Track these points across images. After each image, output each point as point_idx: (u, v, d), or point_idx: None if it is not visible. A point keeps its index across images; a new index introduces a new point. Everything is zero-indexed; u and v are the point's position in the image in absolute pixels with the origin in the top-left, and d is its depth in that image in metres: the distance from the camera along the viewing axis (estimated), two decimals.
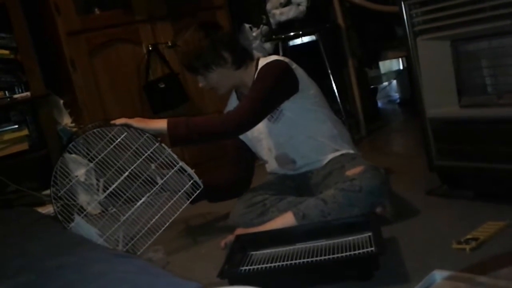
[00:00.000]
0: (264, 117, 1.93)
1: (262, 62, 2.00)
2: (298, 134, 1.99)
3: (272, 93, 1.92)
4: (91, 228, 1.94)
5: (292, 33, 3.14)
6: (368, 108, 3.46)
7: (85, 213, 1.95)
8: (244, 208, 1.95)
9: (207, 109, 3.19)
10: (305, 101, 1.98)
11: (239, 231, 1.88)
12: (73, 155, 2.82)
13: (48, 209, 2.68)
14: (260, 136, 2.06)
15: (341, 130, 2.08)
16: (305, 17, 3.10)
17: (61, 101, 2.90)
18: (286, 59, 2.00)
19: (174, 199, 1.91)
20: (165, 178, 1.91)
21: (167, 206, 1.90)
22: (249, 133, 2.03)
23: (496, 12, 1.63)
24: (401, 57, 4.11)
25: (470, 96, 1.87)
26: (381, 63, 4.51)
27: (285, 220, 1.80)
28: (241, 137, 2.10)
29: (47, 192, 2.81)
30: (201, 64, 1.94)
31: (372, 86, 4.14)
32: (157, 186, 1.91)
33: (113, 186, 1.94)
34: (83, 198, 2.81)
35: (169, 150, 1.89)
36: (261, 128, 2.01)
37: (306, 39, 3.47)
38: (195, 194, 1.92)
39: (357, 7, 3.20)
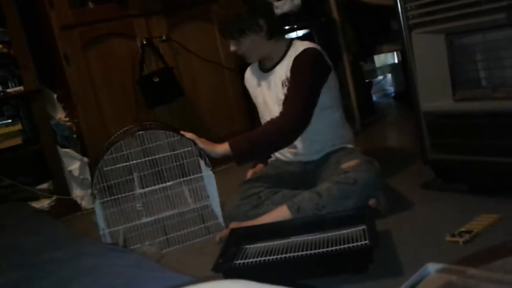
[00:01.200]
0: (313, 111, 1.93)
1: (298, 46, 1.99)
2: (310, 125, 1.99)
3: (316, 86, 1.94)
4: (101, 217, 1.96)
5: (286, 27, 3.13)
6: (363, 102, 3.46)
7: (104, 199, 1.98)
8: (239, 200, 1.94)
9: (201, 103, 3.19)
10: (326, 91, 1.98)
11: (234, 225, 1.88)
12: (67, 150, 2.82)
13: (42, 204, 2.68)
14: (274, 113, 2.03)
15: (345, 127, 2.10)
16: (300, 10, 3.09)
17: (55, 96, 2.89)
18: (318, 47, 2.00)
19: (193, 228, 2.02)
20: (190, 207, 2.06)
21: (184, 231, 2.01)
22: (261, 101, 2.08)
23: (491, 6, 1.63)
24: (396, 51, 4.10)
25: (464, 89, 1.87)
26: (376, 57, 4.51)
27: (280, 213, 1.81)
28: (256, 102, 2.15)
29: (41, 186, 2.81)
30: (237, 29, 1.94)
31: (367, 80, 4.13)
32: (184, 209, 2.06)
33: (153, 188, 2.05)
34: (77, 192, 2.82)
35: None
36: (276, 110, 2.00)
37: (300, 32, 3.46)
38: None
39: (352, 0, 3.19)
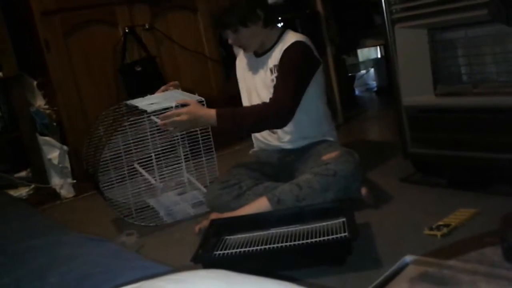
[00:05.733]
0: (299, 102, 1.93)
1: (290, 36, 2.00)
2: (296, 114, 1.99)
3: (303, 79, 1.96)
4: None
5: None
6: (345, 95, 3.48)
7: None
8: (219, 189, 1.94)
9: None
10: (313, 84, 1.99)
11: (214, 215, 1.88)
12: (46, 137, 2.79)
13: (20, 192, 2.64)
14: (262, 97, 2.05)
15: (328, 121, 2.11)
16: (284, 2, 3.09)
17: (35, 83, 2.85)
18: (309, 41, 2.01)
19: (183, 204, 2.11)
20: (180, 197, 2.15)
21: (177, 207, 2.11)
22: (248, 84, 2.09)
23: (473, 2, 1.64)
24: (379, 45, 4.12)
25: (445, 84, 1.88)
26: (359, 51, 4.53)
27: (260, 204, 1.81)
28: (241, 85, 2.16)
29: (20, 174, 2.77)
30: (237, 20, 1.94)
31: (350, 74, 4.15)
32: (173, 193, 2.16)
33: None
34: (56, 181, 2.78)
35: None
36: (264, 96, 2.01)
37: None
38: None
39: None
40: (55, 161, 2.72)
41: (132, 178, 2.08)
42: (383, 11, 1.90)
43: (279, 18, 3.11)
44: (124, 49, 2.94)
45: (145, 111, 1.95)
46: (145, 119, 2.03)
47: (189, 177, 2.22)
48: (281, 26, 2.09)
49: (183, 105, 1.91)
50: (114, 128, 2.01)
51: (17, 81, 2.69)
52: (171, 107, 1.93)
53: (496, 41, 1.73)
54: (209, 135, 2.14)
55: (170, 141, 2.13)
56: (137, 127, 2.04)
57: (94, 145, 2.08)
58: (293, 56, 1.95)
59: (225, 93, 3.21)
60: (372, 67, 4.61)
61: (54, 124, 2.82)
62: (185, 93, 2.10)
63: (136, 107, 2.01)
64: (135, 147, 2.06)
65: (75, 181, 2.75)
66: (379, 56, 4.55)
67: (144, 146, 2.07)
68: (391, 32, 1.90)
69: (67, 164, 2.75)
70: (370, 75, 4.65)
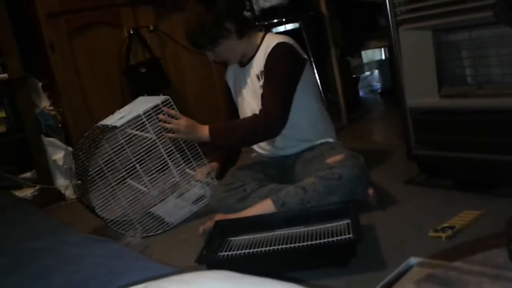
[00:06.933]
0: (290, 107, 1.92)
1: (271, 39, 1.98)
2: (291, 116, 1.97)
3: (290, 83, 1.93)
4: None
5: (275, 20, 3.13)
6: (349, 97, 3.47)
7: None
8: (223, 192, 1.94)
9: (188, 95, 3.18)
10: (302, 84, 1.97)
11: (219, 217, 1.88)
12: (51, 139, 2.80)
13: (25, 193, 2.65)
14: (252, 109, 2.04)
15: (325, 120, 2.09)
16: (289, 4, 3.09)
17: (40, 84, 2.86)
18: (291, 40, 1.98)
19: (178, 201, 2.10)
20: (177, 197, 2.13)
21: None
22: (239, 95, 2.09)
23: (477, 3, 1.64)
24: (384, 47, 4.12)
25: (450, 86, 1.88)
26: (363, 53, 4.53)
27: (264, 207, 1.81)
28: (234, 97, 2.15)
29: (25, 175, 2.78)
30: (207, 39, 1.92)
31: (354, 76, 4.15)
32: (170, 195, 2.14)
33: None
34: (61, 182, 2.79)
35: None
36: (254, 104, 2.00)
37: (289, 26, 3.46)
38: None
39: None
40: (60, 162, 2.73)
41: (124, 193, 2.05)
42: (387, 12, 1.90)
43: (277, 21, 3.12)
44: (129, 50, 2.96)
45: (116, 126, 1.96)
46: (118, 135, 1.99)
47: (185, 170, 2.17)
48: (274, 30, 2.06)
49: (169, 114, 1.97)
50: (92, 151, 2.02)
51: (23, 82, 2.71)
52: (139, 115, 1.97)
53: (501, 43, 1.73)
54: (194, 143, 2.08)
55: (152, 150, 2.07)
56: (115, 143, 2.01)
57: (80, 175, 2.08)
58: (276, 60, 1.93)
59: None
60: (376, 68, 4.60)
61: (59, 125, 2.84)
62: (149, 97, 2.12)
63: (107, 126, 2.02)
64: (121, 164, 2.03)
65: (79, 182, 2.76)
66: (383, 57, 4.54)
67: (128, 160, 2.03)
68: (395, 33, 1.90)
69: (72, 165, 2.76)
70: (374, 76, 4.65)
